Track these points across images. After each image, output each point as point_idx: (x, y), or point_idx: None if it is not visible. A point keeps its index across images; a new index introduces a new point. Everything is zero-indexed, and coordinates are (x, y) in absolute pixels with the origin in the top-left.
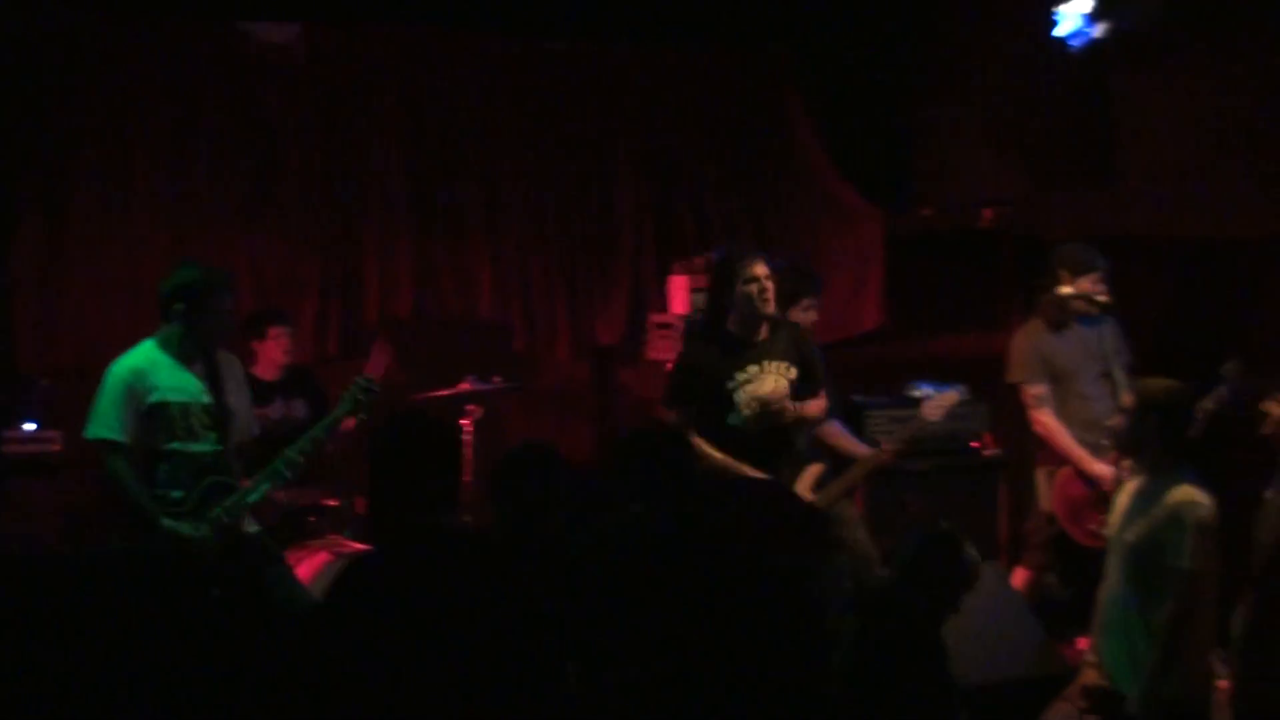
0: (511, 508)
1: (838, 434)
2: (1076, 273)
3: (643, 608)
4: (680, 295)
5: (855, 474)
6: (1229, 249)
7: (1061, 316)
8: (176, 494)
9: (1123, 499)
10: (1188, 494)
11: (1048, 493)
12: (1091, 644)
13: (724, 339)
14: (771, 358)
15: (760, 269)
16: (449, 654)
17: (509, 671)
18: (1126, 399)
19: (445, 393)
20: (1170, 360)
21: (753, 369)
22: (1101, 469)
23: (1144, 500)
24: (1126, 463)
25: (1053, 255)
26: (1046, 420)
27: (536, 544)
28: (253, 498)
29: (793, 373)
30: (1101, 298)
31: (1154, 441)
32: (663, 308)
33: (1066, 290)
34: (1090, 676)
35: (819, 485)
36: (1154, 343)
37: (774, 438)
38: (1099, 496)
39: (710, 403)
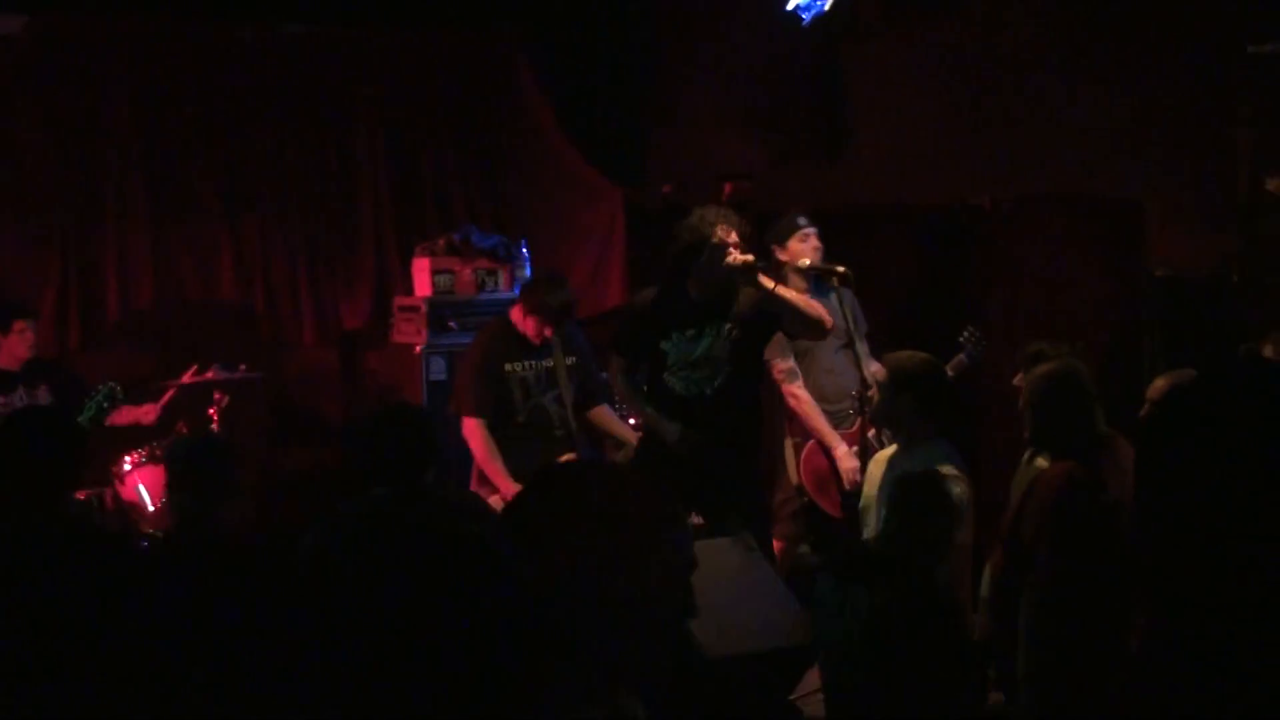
0: (187, 498)
1: (607, 417)
2: (783, 240)
3: (361, 597)
4: (424, 278)
5: None
6: (962, 218)
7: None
8: None
9: (875, 469)
10: (945, 468)
11: (795, 464)
12: None
13: (676, 300)
14: (716, 321)
15: (726, 233)
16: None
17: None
18: (877, 371)
19: (190, 380)
20: (909, 329)
21: (690, 332)
22: (841, 452)
23: (899, 472)
24: (873, 432)
25: (762, 235)
26: (798, 393)
27: (213, 536)
28: None
29: (736, 334)
30: (840, 268)
31: (908, 415)
32: (408, 290)
33: (805, 263)
34: None
35: None
36: (893, 312)
37: (710, 409)
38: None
39: (651, 361)
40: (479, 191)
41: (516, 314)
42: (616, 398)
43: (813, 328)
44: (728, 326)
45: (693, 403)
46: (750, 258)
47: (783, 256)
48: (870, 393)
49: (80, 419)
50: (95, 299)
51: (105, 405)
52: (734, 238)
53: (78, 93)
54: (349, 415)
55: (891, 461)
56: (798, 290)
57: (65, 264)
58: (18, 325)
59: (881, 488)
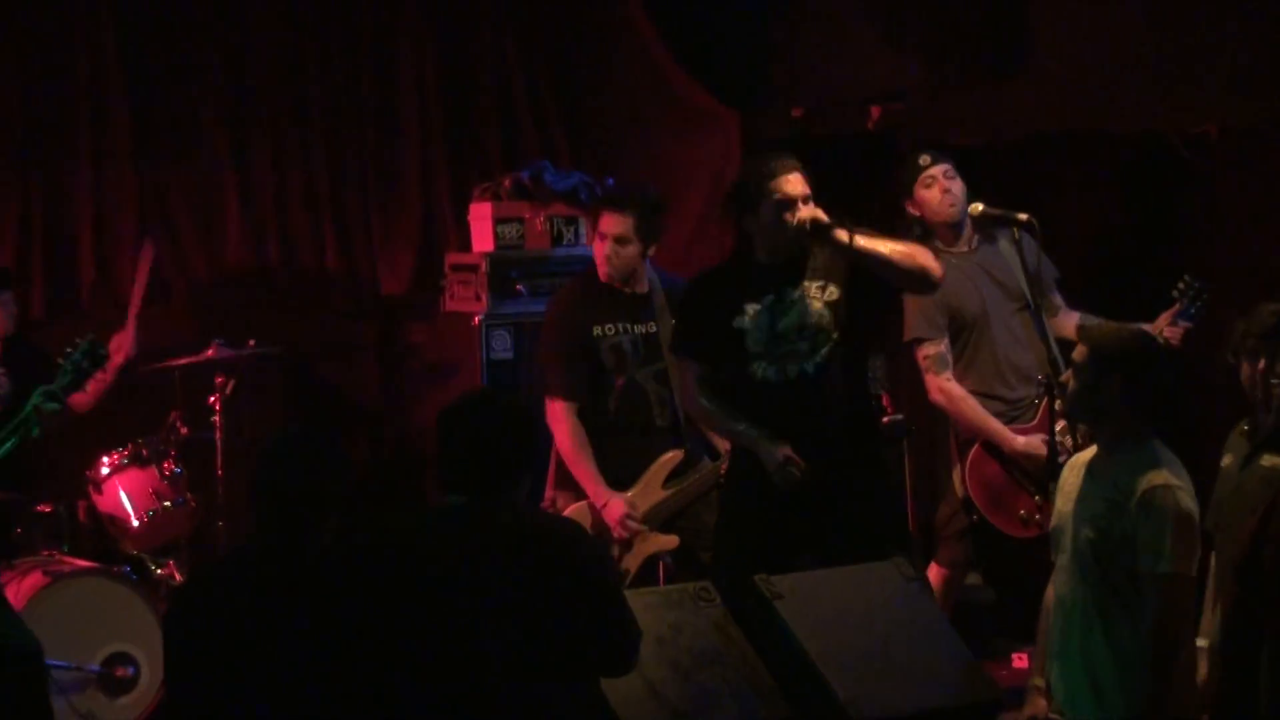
0: (272, 509)
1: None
2: (907, 188)
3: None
4: (484, 228)
5: (691, 489)
6: (1177, 149)
7: (925, 237)
8: None
9: (1070, 477)
10: (1162, 476)
11: (961, 473)
12: (1037, 664)
13: (743, 268)
14: (800, 280)
15: (796, 186)
16: None
17: None
18: (1075, 328)
19: (186, 361)
20: (1104, 285)
21: (769, 298)
22: (1023, 444)
23: (1102, 481)
24: (1061, 426)
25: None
26: (946, 386)
27: (306, 552)
28: None
29: (832, 293)
30: (1022, 215)
31: (1116, 407)
32: (464, 246)
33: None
34: (1039, 707)
35: (672, 477)
36: (1085, 264)
37: (816, 394)
38: (1024, 474)
39: (725, 352)
40: (555, 118)
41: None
42: (694, 418)
43: (916, 280)
44: (818, 284)
45: (793, 388)
46: (819, 214)
47: (914, 211)
48: (1064, 377)
49: (53, 388)
50: (65, 257)
51: (86, 365)
52: (801, 188)
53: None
54: (390, 403)
55: (1091, 467)
56: (911, 240)
57: (27, 213)
58: (2, 298)
59: (1080, 500)
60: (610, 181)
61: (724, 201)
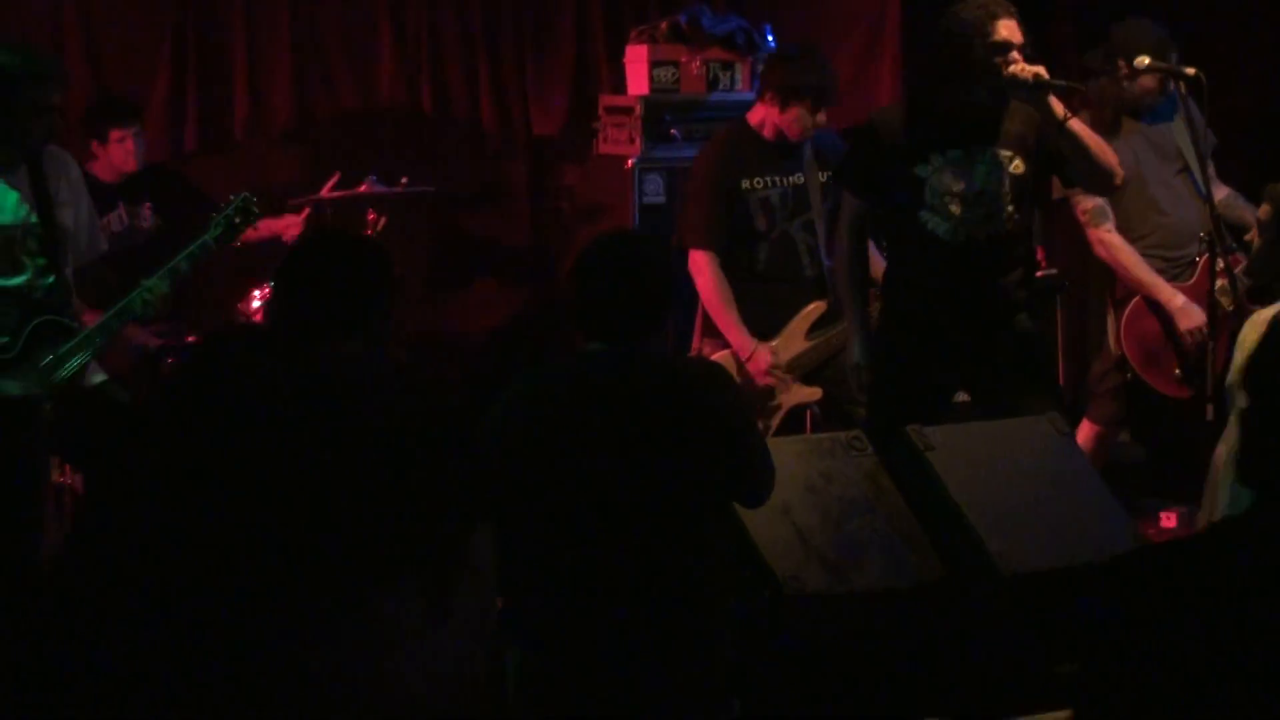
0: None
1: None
2: (1131, 51)
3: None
4: (639, 70)
5: (835, 340)
6: None
7: (1117, 111)
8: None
9: (1251, 334)
10: None
11: (1116, 330)
12: (1204, 519)
13: (933, 114)
14: (990, 143)
15: (1011, 31)
16: None
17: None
18: (1225, 198)
19: (339, 194)
20: (1270, 145)
21: (955, 153)
22: (1184, 302)
23: None
24: (1222, 282)
25: (1110, 35)
26: (1107, 238)
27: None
28: (99, 340)
29: (1018, 166)
30: (1190, 70)
31: None
32: (618, 88)
33: (1143, 61)
34: None
35: (816, 327)
36: (1250, 124)
37: (985, 263)
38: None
39: (897, 196)
40: None
41: (759, 113)
42: (833, 253)
43: (1102, 180)
44: (1008, 154)
45: (962, 252)
46: (1041, 70)
47: (1125, 74)
48: (1249, 236)
49: (206, 238)
50: (218, 91)
51: (238, 221)
52: (1020, 37)
53: None
54: (538, 245)
55: (1274, 329)
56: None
57: (182, 47)
58: (116, 134)
59: (1255, 363)
60: (767, 28)
61: (935, 39)
